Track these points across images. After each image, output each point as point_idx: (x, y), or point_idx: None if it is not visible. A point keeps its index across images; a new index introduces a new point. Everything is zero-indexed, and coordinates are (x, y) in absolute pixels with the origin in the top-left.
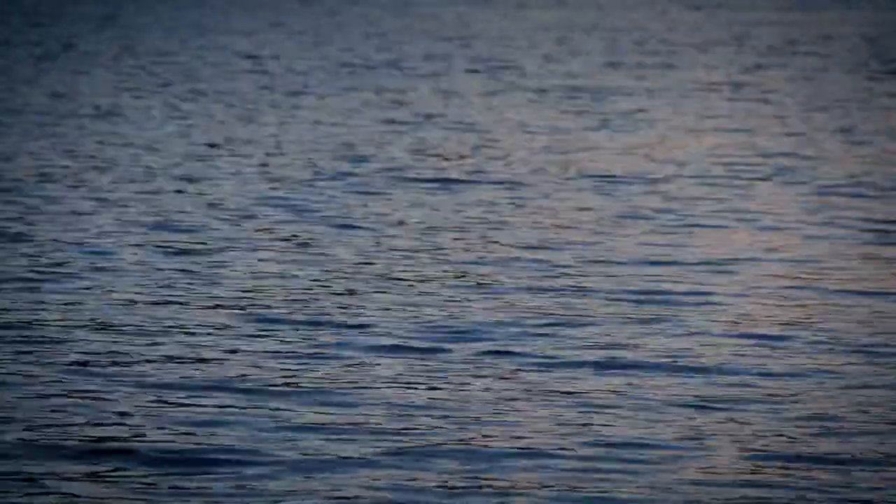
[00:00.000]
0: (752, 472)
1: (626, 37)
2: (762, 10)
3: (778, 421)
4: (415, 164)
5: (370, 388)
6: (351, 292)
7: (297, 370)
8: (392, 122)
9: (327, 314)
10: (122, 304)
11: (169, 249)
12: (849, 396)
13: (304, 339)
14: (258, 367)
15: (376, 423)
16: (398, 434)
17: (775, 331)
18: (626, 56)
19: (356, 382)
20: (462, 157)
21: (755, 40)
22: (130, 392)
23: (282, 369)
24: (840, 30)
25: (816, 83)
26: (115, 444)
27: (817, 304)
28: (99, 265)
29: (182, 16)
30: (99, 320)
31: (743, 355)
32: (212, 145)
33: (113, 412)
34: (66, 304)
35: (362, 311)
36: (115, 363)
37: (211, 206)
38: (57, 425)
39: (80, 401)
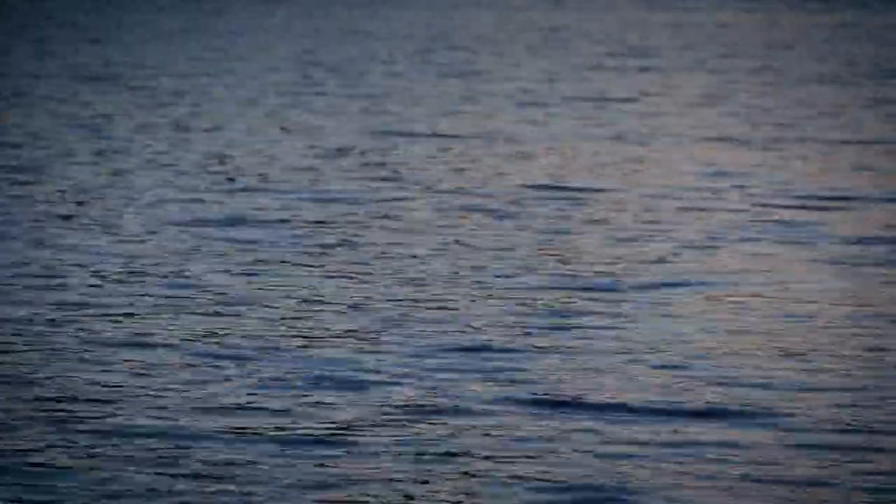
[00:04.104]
0: None
1: (598, 41)
2: (732, 10)
3: (756, 459)
4: (395, 175)
5: (342, 431)
6: (327, 317)
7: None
8: (362, 130)
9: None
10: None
11: (122, 268)
12: (841, 436)
13: (272, 370)
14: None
15: (352, 470)
16: (368, 479)
17: (752, 361)
18: (591, 60)
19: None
20: (423, 168)
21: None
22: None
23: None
24: (806, 33)
25: (784, 90)
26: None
27: (802, 331)
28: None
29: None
30: (53, 350)
31: (718, 389)
32: (166, 152)
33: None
34: (34, 335)
35: (341, 332)
36: (68, 398)
37: (166, 217)
38: (42, 482)
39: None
